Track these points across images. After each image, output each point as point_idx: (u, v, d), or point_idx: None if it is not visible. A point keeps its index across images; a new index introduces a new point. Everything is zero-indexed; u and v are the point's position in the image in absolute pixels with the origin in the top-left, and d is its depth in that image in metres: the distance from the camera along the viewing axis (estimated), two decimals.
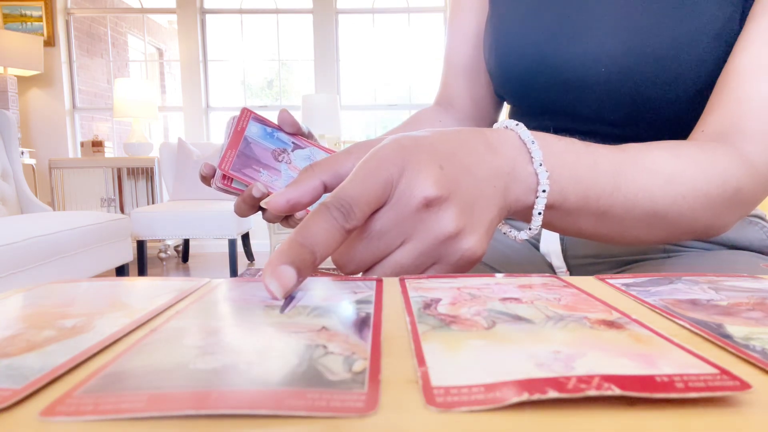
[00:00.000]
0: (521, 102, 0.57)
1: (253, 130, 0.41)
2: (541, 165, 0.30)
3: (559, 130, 0.54)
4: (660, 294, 0.31)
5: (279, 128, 0.43)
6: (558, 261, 0.55)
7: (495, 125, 0.34)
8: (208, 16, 3.85)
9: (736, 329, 0.24)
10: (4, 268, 1.58)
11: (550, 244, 0.55)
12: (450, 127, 0.59)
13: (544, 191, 0.31)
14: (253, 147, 0.41)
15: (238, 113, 0.42)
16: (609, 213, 0.34)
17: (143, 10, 4.12)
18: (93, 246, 2.10)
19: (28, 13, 3.63)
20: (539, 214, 0.31)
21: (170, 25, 5.56)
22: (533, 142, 0.31)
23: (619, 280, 0.36)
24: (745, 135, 0.39)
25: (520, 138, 0.31)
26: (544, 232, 0.56)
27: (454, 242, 0.26)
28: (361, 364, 0.20)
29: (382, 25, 3.92)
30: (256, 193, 0.40)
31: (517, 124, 0.32)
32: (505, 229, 0.36)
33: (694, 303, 0.28)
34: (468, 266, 0.27)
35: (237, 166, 0.40)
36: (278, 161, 0.41)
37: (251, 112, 0.41)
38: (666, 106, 0.47)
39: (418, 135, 0.27)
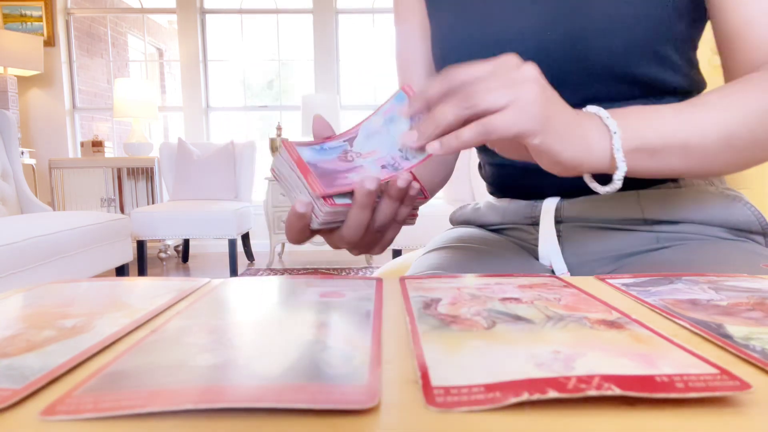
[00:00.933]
0: None
1: (306, 154, 0.38)
2: (608, 117, 0.38)
3: None
4: (660, 294, 0.31)
5: (322, 141, 0.41)
6: (558, 260, 0.55)
7: None
8: (208, 16, 3.85)
9: (736, 329, 0.24)
10: (4, 268, 1.58)
11: (549, 244, 0.55)
12: None
13: (615, 132, 0.37)
14: (320, 165, 0.37)
15: (280, 153, 0.38)
16: (690, 144, 0.40)
17: (143, 10, 4.12)
18: (93, 246, 2.11)
19: (28, 13, 3.63)
20: (619, 151, 0.37)
21: (170, 25, 5.56)
22: (599, 109, 0.39)
23: (619, 280, 0.36)
24: None
25: (587, 109, 0.40)
26: (541, 233, 0.56)
27: (519, 69, 0.35)
28: (361, 358, 0.20)
29: (382, 25, 3.92)
30: (370, 185, 0.35)
31: (609, 119, 0.38)
32: (594, 185, 0.42)
33: (694, 303, 0.28)
34: (523, 87, 0.34)
35: (328, 184, 0.36)
36: (350, 161, 0.40)
37: (291, 142, 0.39)
38: (609, 55, 0.50)
39: None
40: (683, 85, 0.53)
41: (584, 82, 0.52)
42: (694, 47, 0.54)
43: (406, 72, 0.66)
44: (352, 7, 3.86)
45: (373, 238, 0.40)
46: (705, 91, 0.44)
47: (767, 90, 0.41)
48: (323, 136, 0.41)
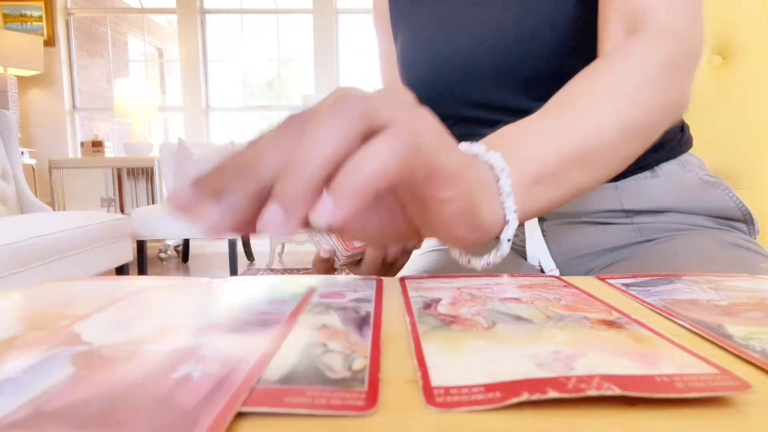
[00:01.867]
0: (437, 106, 0.60)
1: None
2: (487, 152, 0.28)
3: (473, 121, 0.58)
4: (660, 294, 0.31)
5: None
6: (546, 259, 0.55)
7: (462, 146, 0.29)
8: (208, 16, 3.85)
9: (736, 329, 0.24)
10: (4, 268, 1.58)
11: (536, 243, 0.56)
12: None
13: (503, 171, 0.28)
14: None
15: None
16: (590, 150, 0.33)
17: (143, 10, 4.12)
18: (93, 246, 2.10)
19: (28, 13, 3.63)
20: (508, 241, 0.28)
21: (170, 25, 5.56)
22: (503, 170, 0.28)
23: (619, 280, 0.36)
24: (645, 14, 0.41)
25: (492, 168, 0.28)
26: (527, 233, 0.57)
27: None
28: (361, 362, 0.20)
29: None
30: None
31: (489, 152, 0.28)
32: (463, 260, 0.32)
33: (694, 303, 0.28)
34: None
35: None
36: None
37: None
38: (534, 61, 0.52)
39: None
40: None
41: (524, 90, 0.54)
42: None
43: (384, 71, 0.70)
44: (352, 7, 3.86)
45: (389, 267, 0.49)
46: (574, 79, 0.37)
47: (644, 60, 0.38)
48: None
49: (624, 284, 0.34)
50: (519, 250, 0.60)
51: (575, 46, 0.50)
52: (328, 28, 3.77)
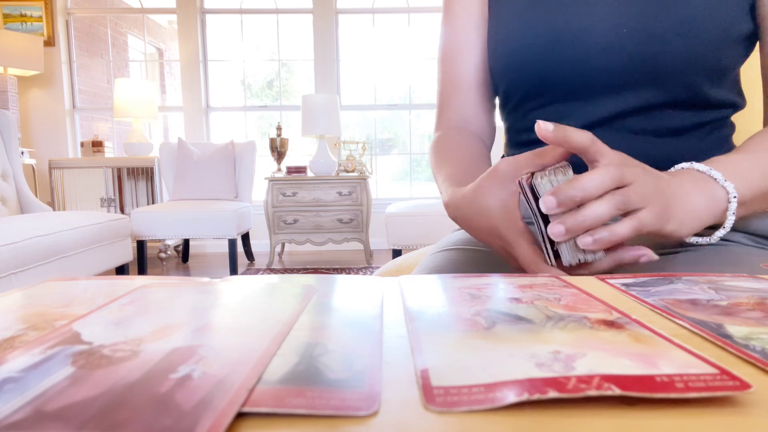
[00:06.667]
0: (534, 89, 0.58)
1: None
2: (725, 181, 0.42)
3: (570, 116, 0.56)
4: (660, 294, 0.31)
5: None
6: None
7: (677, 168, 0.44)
8: (208, 16, 3.85)
9: (736, 329, 0.24)
10: (4, 268, 1.58)
11: None
12: (480, 151, 0.61)
13: (734, 197, 0.42)
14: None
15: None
16: None
17: (143, 10, 4.12)
18: (93, 246, 2.11)
19: (28, 13, 3.63)
20: (732, 214, 0.42)
21: (170, 25, 5.57)
22: (711, 170, 0.42)
23: (619, 280, 0.36)
24: None
25: (700, 171, 0.43)
26: None
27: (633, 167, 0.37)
28: (361, 362, 0.20)
29: (382, 25, 3.92)
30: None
31: (726, 181, 0.42)
32: (693, 239, 0.46)
33: (694, 303, 0.28)
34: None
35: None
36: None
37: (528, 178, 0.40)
38: (682, 58, 0.50)
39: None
40: (727, 99, 0.54)
41: (644, 84, 0.52)
42: (740, 63, 0.55)
43: (454, 62, 0.66)
44: (352, 7, 3.86)
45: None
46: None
47: None
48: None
49: (624, 284, 0.34)
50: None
51: (720, 61, 0.50)
52: (328, 28, 3.77)
